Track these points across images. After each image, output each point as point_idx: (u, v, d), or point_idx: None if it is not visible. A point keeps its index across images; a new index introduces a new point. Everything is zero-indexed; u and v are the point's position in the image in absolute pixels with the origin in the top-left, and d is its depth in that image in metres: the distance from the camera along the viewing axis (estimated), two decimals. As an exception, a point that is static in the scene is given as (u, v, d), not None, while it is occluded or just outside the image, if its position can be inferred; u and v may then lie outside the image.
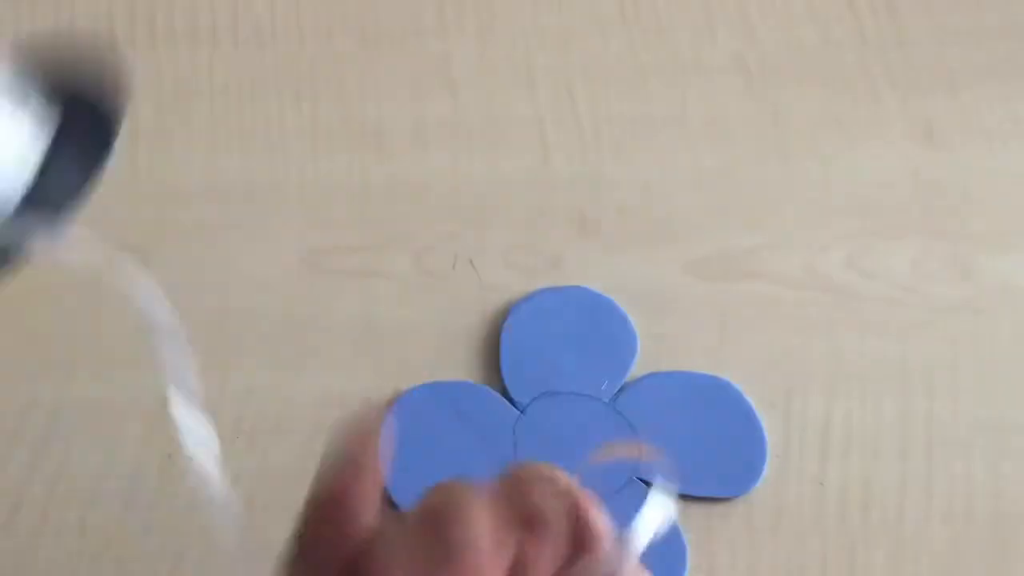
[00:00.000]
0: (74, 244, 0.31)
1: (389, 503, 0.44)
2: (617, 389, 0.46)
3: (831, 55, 0.55)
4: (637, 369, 0.47)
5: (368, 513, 0.30)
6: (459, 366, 0.48)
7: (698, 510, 0.44)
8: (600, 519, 0.29)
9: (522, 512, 0.28)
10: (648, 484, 0.44)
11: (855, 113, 0.54)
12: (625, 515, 0.43)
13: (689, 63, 0.55)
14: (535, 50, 0.55)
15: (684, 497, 0.44)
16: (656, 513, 0.30)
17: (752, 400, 0.46)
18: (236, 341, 0.48)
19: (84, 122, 0.32)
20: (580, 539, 0.29)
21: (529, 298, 0.49)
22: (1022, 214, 0.52)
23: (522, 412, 0.46)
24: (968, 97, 0.54)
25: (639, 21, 0.56)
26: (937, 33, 0.56)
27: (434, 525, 0.28)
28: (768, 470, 0.45)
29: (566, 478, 0.29)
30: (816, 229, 0.51)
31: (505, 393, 0.46)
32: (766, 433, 0.46)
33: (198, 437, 0.32)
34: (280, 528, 0.34)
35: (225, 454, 0.46)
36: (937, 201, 0.52)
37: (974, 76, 0.55)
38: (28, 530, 0.43)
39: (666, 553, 0.43)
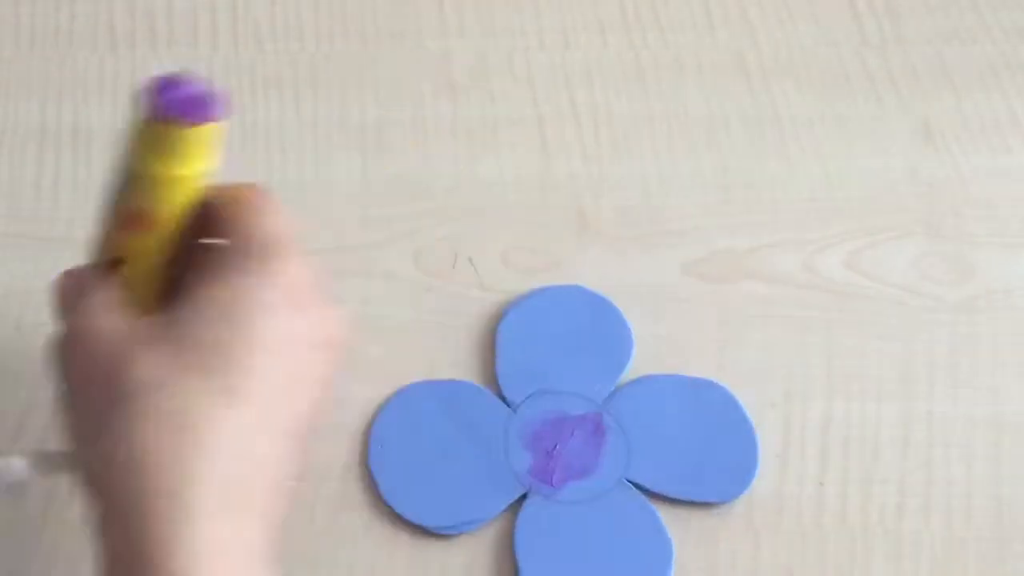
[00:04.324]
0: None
1: (380, 501, 0.44)
2: (611, 390, 0.46)
3: (831, 55, 0.55)
4: (634, 370, 0.47)
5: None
6: (459, 365, 0.48)
7: (698, 510, 0.44)
8: None
9: None
10: (636, 486, 0.44)
11: (855, 113, 0.54)
12: (613, 517, 0.43)
13: (689, 63, 0.55)
14: (535, 50, 0.55)
15: (672, 501, 0.44)
16: None
17: (752, 400, 0.46)
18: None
19: None
20: None
21: (525, 297, 0.49)
22: (1022, 214, 0.51)
23: (514, 411, 0.46)
24: (968, 97, 0.54)
25: (639, 21, 0.56)
26: (937, 33, 0.56)
27: None
28: (768, 470, 0.45)
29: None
30: (816, 229, 0.51)
31: (500, 392, 0.46)
32: (758, 438, 0.45)
33: None
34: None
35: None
36: (937, 201, 0.52)
37: (974, 76, 0.55)
38: (28, 530, 0.44)
39: (651, 552, 0.43)
